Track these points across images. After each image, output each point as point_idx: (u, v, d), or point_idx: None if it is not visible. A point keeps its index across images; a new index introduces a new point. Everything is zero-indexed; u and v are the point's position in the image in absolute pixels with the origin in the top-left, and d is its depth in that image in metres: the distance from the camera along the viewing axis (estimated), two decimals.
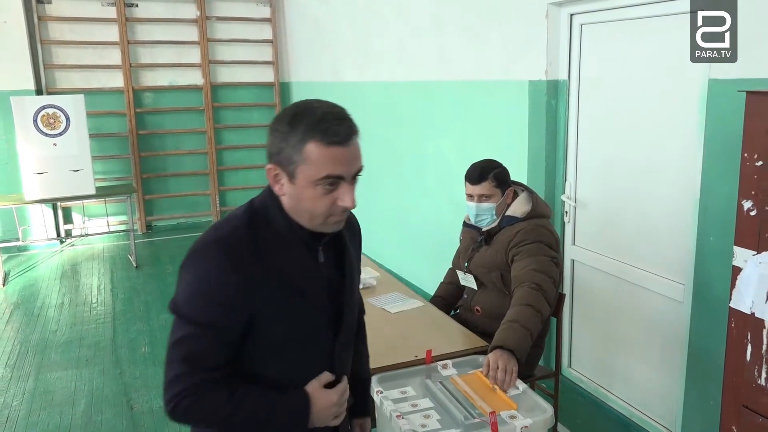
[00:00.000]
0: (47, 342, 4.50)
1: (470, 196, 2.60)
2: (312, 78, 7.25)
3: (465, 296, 2.80)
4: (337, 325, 1.43)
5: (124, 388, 3.78)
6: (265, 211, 1.36)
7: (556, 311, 2.74)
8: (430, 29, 4.53)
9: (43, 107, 5.83)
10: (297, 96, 7.89)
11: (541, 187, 3.51)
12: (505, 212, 2.61)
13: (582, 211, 3.42)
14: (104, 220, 7.07)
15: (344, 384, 1.44)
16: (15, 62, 6.65)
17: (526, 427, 1.79)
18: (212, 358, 1.31)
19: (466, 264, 2.72)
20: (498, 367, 1.99)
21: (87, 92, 6.64)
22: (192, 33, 7.52)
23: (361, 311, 1.74)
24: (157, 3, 7.34)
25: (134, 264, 6.25)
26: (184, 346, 1.30)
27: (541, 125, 3.48)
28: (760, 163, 1.66)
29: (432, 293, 3.04)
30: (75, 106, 5.96)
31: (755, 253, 1.69)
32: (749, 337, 1.73)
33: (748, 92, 1.70)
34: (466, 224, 2.79)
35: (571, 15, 3.27)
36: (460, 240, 2.86)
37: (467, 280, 2.73)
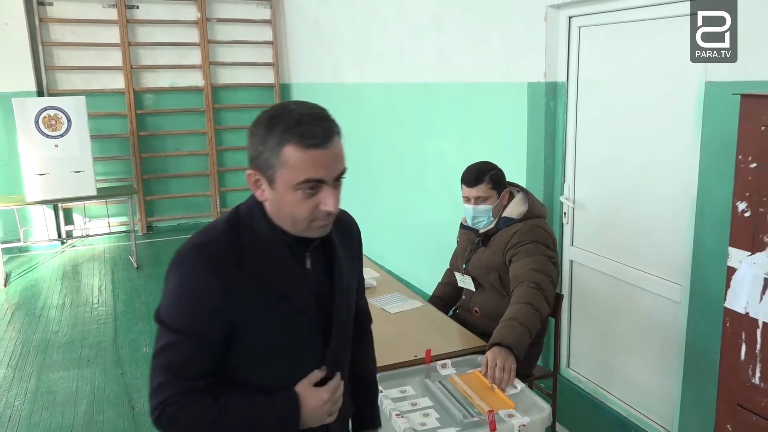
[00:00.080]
0: (49, 342, 4.52)
1: (467, 199, 2.63)
2: (312, 79, 7.27)
3: (464, 297, 2.83)
4: (327, 333, 1.39)
5: (125, 388, 3.80)
6: (249, 216, 1.33)
7: (555, 312, 2.76)
8: (429, 31, 4.55)
9: (45, 109, 5.86)
10: (297, 97, 7.92)
11: (540, 188, 3.53)
12: (501, 214, 2.63)
13: (580, 213, 3.44)
14: (105, 221, 7.09)
15: (336, 381, 1.40)
16: (16, 64, 6.67)
17: (523, 425, 1.82)
18: (195, 366, 1.29)
19: (464, 265, 2.75)
20: (496, 365, 2.01)
21: (88, 94, 6.66)
22: (192, 35, 7.55)
23: (366, 318, 1.69)
24: (157, 5, 7.37)
25: (135, 265, 6.27)
26: (167, 354, 1.28)
27: (540, 127, 3.51)
28: (755, 164, 1.68)
29: (431, 293, 3.07)
30: (76, 107, 5.99)
31: (749, 253, 1.72)
32: (743, 336, 1.76)
33: (742, 95, 1.72)
34: (463, 226, 2.81)
35: (570, 17, 3.30)
36: (458, 241, 2.88)
37: (465, 282, 2.76)
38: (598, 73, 3.21)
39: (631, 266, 3.11)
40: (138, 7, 7.30)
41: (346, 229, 1.49)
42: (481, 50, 3.94)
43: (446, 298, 2.94)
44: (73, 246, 7.18)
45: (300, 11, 7.41)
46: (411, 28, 4.83)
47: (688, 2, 2.56)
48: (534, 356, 2.71)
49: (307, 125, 1.22)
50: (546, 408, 1.89)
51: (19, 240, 6.45)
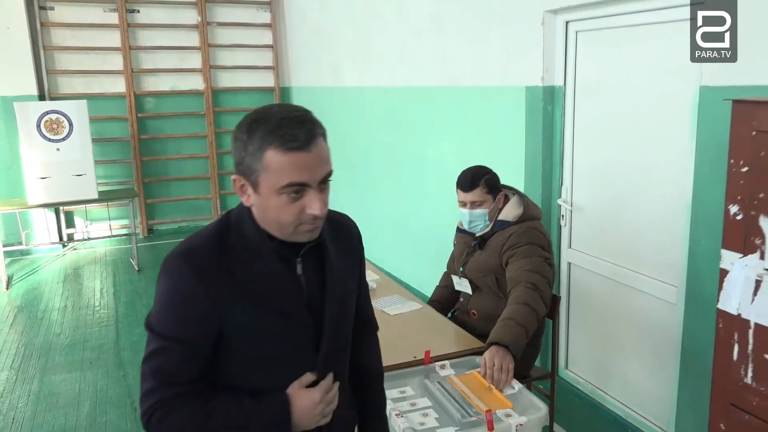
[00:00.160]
0: (51, 345, 4.55)
1: (463, 204, 2.66)
2: (312, 83, 7.31)
3: (461, 300, 2.86)
4: (319, 339, 1.36)
5: (127, 390, 3.83)
6: (239, 222, 1.32)
7: (552, 313, 2.79)
8: (429, 35, 4.59)
9: (47, 113, 5.91)
10: (297, 100, 7.96)
11: (538, 190, 3.57)
12: (497, 217, 2.67)
13: (578, 215, 3.47)
14: (106, 224, 7.12)
15: (327, 381, 1.37)
16: (18, 68, 6.72)
17: (521, 425, 1.85)
18: (183, 373, 1.28)
19: (461, 269, 2.79)
20: (495, 366, 2.05)
21: (89, 97, 6.71)
22: (193, 38, 7.59)
23: (370, 325, 1.65)
24: (158, 9, 7.41)
25: (136, 267, 6.31)
26: (156, 360, 1.28)
27: (537, 130, 3.54)
28: (746, 169, 1.72)
29: (430, 296, 3.10)
30: (78, 111, 6.04)
31: (741, 255, 1.75)
32: (736, 337, 1.79)
33: (734, 100, 1.76)
34: (459, 229, 2.85)
35: (567, 22, 3.33)
36: (454, 245, 2.92)
37: (462, 285, 2.79)
38: (594, 78, 3.25)
39: (628, 268, 3.15)
40: (139, 11, 7.35)
41: (344, 233, 1.47)
42: (480, 54, 3.98)
43: (444, 302, 2.98)
44: (75, 249, 7.21)
45: (300, 15, 7.45)
46: (410, 32, 4.87)
47: (683, 8, 2.61)
48: (532, 357, 2.75)
49: (288, 128, 1.20)
50: (543, 408, 1.93)
51: (20, 243, 6.48)
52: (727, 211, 1.79)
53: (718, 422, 1.89)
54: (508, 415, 1.90)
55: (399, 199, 5.45)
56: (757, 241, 1.71)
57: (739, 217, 1.76)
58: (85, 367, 4.17)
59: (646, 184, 2.99)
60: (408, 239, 5.33)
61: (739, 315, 1.77)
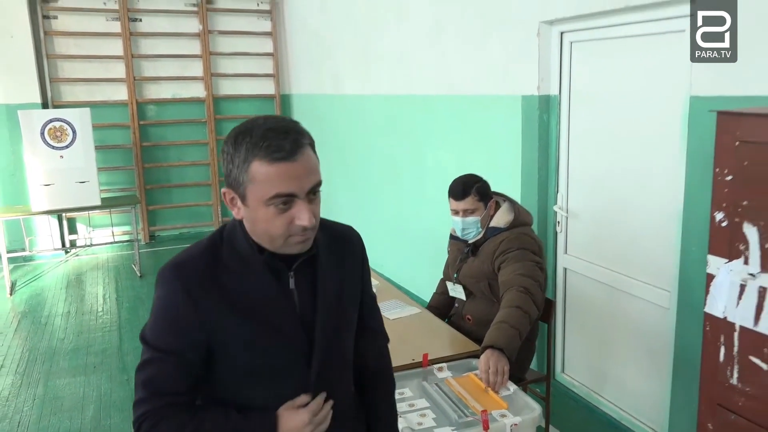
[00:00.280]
0: (55, 350, 4.61)
1: (455, 212, 2.73)
2: (313, 90, 7.40)
3: (456, 305, 2.93)
4: (312, 356, 1.35)
5: (131, 394, 3.85)
6: (231, 235, 1.32)
7: (547, 317, 2.86)
8: (428, 44, 4.67)
9: (50, 120, 5.98)
10: (297, 107, 8.05)
11: (534, 197, 3.64)
12: (489, 224, 2.74)
13: (573, 221, 3.54)
14: (109, 231, 7.20)
15: (316, 402, 1.35)
16: (22, 76, 6.82)
17: (515, 424, 1.92)
18: (172, 384, 1.29)
19: (455, 275, 2.85)
20: (490, 368, 2.11)
21: (91, 105, 6.80)
22: (194, 47, 7.68)
23: (378, 337, 1.62)
24: (160, 18, 7.50)
25: (138, 273, 6.37)
26: (147, 370, 1.30)
27: (533, 138, 3.61)
28: (730, 177, 1.79)
29: (428, 302, 3.17)
30: (81, 119, 6.11)
31: (727, 261, 1.82)
32: (722, 339, 1.86)
33: (718, 112, 1.83)
34: (452, 237, 2.92)
35: (562, 33, 3.41)
36: (448, 252, 2.98)
37: (456, 291, 2.86)
38: (588, 87, 3.32)
39: (622, 273, 3.21)
40: (141, 20, 7.45)
41: (345, 245, 1.46)
42: (478, 63, 4.05)
43: (441, 308, 3.05)
44: (77, 255, 7.28)
45: (300, 23, 7.54)
46: (410, 41, 4.95)
47: (675, 20, 2.69)
48: (527, 360, 2.81)
49: (273, 139, 1.19)
50: (537, 408, 1.99)
51: (23, 249, 6.55)
52: (712, 218, 1.86)
53: (706, 422, 1.95)
54: (503, 416, 1.96)
55: (399, 206, 5.52)
56: (741, 247, 1.77)
57: (724, 224, 1.82)
58: (89, 372, 4.23)
59: (639, 191, 3.06)
60: (407, 245, 5.40)
61: (725, 318, 1.84)
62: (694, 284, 2.66)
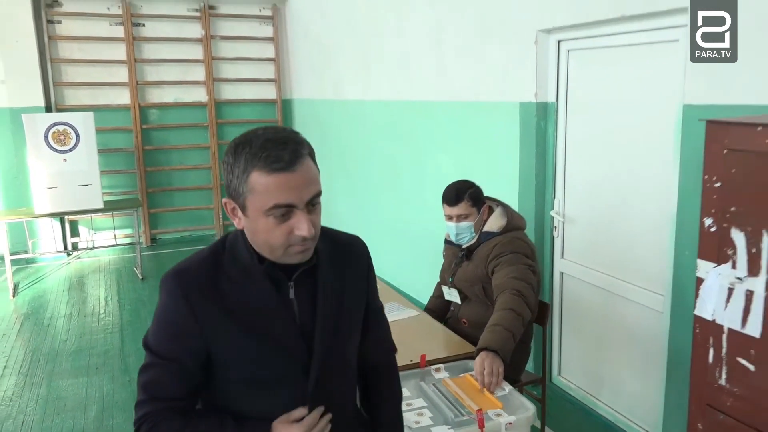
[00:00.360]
0: (58, 351, 4.66)
1: (449, 217, 2.79)
2: (314, 95, 7.46)
3: (452, 309, 2.99)
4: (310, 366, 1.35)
5: (133, 395, 3.88)
6: (233, 244, 1.33)
7: (542, 320, 2.92)
8: (427, 51, 4.73)
9: (54, 124, 6.05)
10: (299, 112, 8.12)
11: (532, 202, 3.69)
12: (482, 228, 2.79)
13: (570, 226, 3.60)
14: (110, 233, 7.26)
15: (312, 417, 1.34)
16: (26, 80, 6.88)
17: (510, 423, 1.97)
18: (170, 389, 1.31)
19: (450, 279, 2.91)
20: (485, 370, 2.16)
21: (95, 109, 6.84)
22: (197, 52, 7.75)
23: (384, 348, 1.63)
24: (163, 23, 7.57)
25: (140, 276, 6.42)
26: (147, 374, 1.33)
27: (531, 144, 3.67)
28: (719, 184, 1.85)
29: (426, 304, 3.23)
30: (84, 123, 6.17)
31: (716, 265, 1.88)
32: (711, 341, 1.91)
33: (707, 121, 1.88)
34: (447, 241, 2.98)
35: (559, 41, 3.47)
36: (444, 256, 3.04)
37: (451, 295, 2.92)
38: (585, 95, 3.39)
39: (617, 278, 3.27)
40: (144, 25, 7.51)
41: (350, 255, 1.45)
42: (477, 70, 4.11)
43: (438, 310, 3.10)
44: (79, 258, 7.33)
45: (302, 29, 7.61)
46: (410, 48, 5.02)
47: (669, 30, 2.75)
48: (522, 362, 2.86)
49: (272, 149, 1.19)
50: (531, 408, 2.05)
51: (26, 252, 6.61)
52: (702, 223, 1.91)
53: (696, 422, 2.00)
54: (498, 415, 2.01)
55: (398, 210, 5.57)
56: (729, 252, 1.83)
57: (713, 230, 1.88)
58: (91, 373, 4.28)
59: (634, 197, 3.12)
60: (407, 249, 5.45)
61: (714, 320, 1.89)
62: (687, 288, 2.71)
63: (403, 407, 2.08)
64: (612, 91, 3.19)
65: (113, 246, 7.32)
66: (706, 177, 1.88)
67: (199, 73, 7.78)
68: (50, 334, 5.00)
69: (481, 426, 1.92)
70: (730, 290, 1.84)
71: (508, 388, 2.19)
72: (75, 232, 7.43)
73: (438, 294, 3.12)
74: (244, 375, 1.32)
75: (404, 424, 1.96)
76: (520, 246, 2.69)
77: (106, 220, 7.31)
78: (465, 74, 4.27)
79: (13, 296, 5.90)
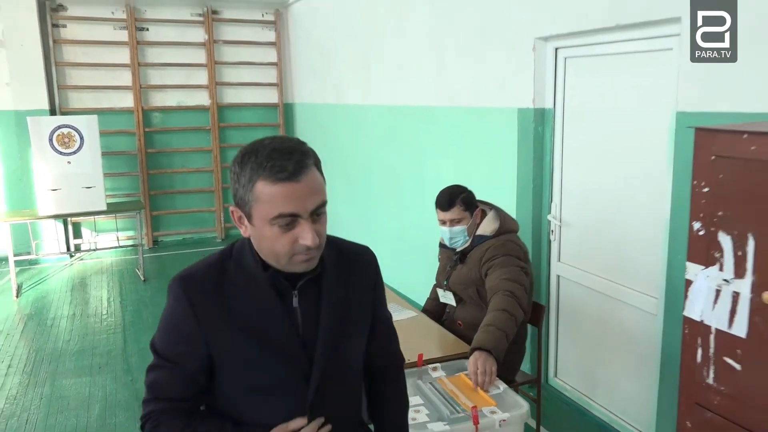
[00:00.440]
0: (61, 351, 4.72)
1: (443, 222, 2.85)
2: (315, 100, 7.54)
3: (448, 311, 3.05)
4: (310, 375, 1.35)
5: (135, 394, 4.00)
6: (240, 251, 1.35)
7: (537, 321, 2.98)
8: (428, 57, 4.80)
9: (59, 127, 6.12)
10: (300, 116, 8.19)
11: (529, 206, 3.75)
12: (475, 232, 2.85)
13: (566, 230, 3.66)
14: (113, 235, 7.33)
15: (312, 428, 1.35)
16: (31, 83, 6.97)
17: (504, 420, 2.03)
18: (174, 390, 1.34)
19: (445, 282, 2.97)
20: (479, 369, 2.22)
21: (98, 112, 6.91)
22: (200, 56, 7.83)
23: (392, 359, 1.62)
24: (167, 27, 7.65)
25: (142, 278, 6.48)
26: (152, 374, 1.36)
27: (528, 149, 3.73)
28: (707, 189, 1.91)
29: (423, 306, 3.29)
30: (89, 126, 6.25)
31: (704, 267, 1.94)
32: (699, 341, 1.97)
33: (696, 128, 1.94)
34: (441, 245, 3.04)
35: (556, 49, 3.54)
36: (439, 260, 3.10)
37: (446, 297, 2.98)
38: (581, 101, 3.45)
39: (613, 281, 3.33)
40: (148, 30, 7.60)
41: (357, 265, 1.46)
42: (476, 76, 4.18)
43: (434, 313, 3.17)
44: (81, 259, 7.40)
45: (304, 34, 7.69)
46: (410, 53, 5.09)
47: (664, 38, 2.81)
48: (517, 362, 2.92)
49: (277, 159, 1.21)
50: (525, 405, 2.11)
51: (29, 253, 6.67)
52: (691, 227, 1.97)
53: (684, 420, 2.06)
54: (492, 412, 2.07)
55: (398, 214, 5.63)
56: (717, 255, 1.89)
57: (701, 233, 1.94)
58: (94, 372, 4.34)
59: (629, 202, 3.18)
60: (406, 252, 5.51)
61: (702, 321, 1.95)
62: (679, 291, 2.75)
63: None
64: (608, 98, 3.25)
65: (116, 248, 7.39)
66: (695, 182, 1.94)
67: (201, 77, 7.86)
68: (53, 334, 5.06)
69: (476, 422, 1.98)
70: (718, 292, 1.89)
71: (502, 386, 2.25)
72: (78, 234, 7.50)
73: (434, 296, 3.18)
74: (244, 380, 1.33)
75: None
76: (513, 248, 2.75)
77: (109, 222, 7.38)
78: (464, 80, 4.34)
79: (17, 297, 5.97)
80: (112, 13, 7.41)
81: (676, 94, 2.70)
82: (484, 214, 2.90)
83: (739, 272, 1.83)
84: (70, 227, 7.35)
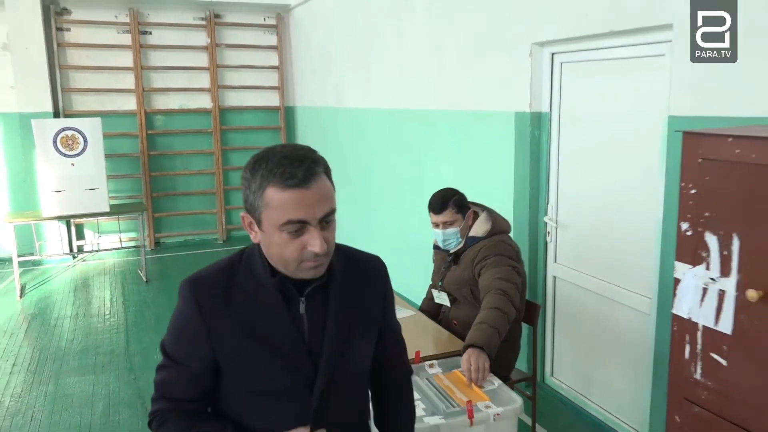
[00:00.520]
0: (64, 350, 4.78)
1: (435, 224, 2.91)
2: (316, 103, 7.61)
3: (443, 311, 3.12)
4: (314, 383, 1.36)
5: (138, 392, 4.06)
6: (250, 257, 1.36)
7: (532, 320, 3.04)
8: (427, 62, 4.87)
9: (63, 129, 6.18)
10: (301, 119, 8.26)
11: (526, 208, 3.82)
12: (468, 233, 2.92)
13: (563, 232, 3.73)
14: (115, 237, 7.40)
15: None
16: (35, 86, 7.04)
17: (498, 414, 2.09)
18: (180, 390, 1.36)
19: (439, 283, 3.04)
20: (472, 366, 2.28)
21: (101, 115, 6.99)
22: (202, 59, 7.90)
23: (399, 370, 1.64)
24: (169, 31, 7.73)
25: (144, 278, 6.54)
26: (160, 374, 1.39)
27: (525, 153, 3.80)
28: (694, 191, 1.97)
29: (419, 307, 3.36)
30: (92, 128, 6.31)
31: (691, 266, 2.00)
32: (687, 338, 2.03)
33: (684, 132, 2.01)
34: (435, 247, 3.10)
35: (552, 54, 3.61)
36: (433, 261, 3.17)
37: (441, 298, 3.04)
38: (577, 105, 3.52)
39: (607, 281, 3.39)
40: (151, 33, 7.67)
41: (363, 274, 1.46)
42: (474, 80, 4.25)
43: (430, 312, 3.23)
44: (84, 260, 7.46)
45: (305, 38, 7.77)
46: (410, 58, 5.16)
47: (657, 44, 2.88)
48: (512, 360, 2.98)
49: (287, 166, 1.22)
50: (518, 400, 2.17)
51: (33, 254, 6.74)
52: (679, 227, 2.04)
53: (673, 414, 2.12)
54: (487, 407, 2.14)
55: (398, 216, 5.70)
56: (704, 254, 1.95)
57: (689, 233, 2.01)
58: (97, 371, 4.40)
59: (623, 204, 3.25)
60: (406, 253, 5.57)
61: (690, 318, 2.02)
62: (671, 291, 2.81)
63: None
64: (602, 102, 3.32)
65: (118, 249, 7.46)
66: (683, 184, 2.01)
67: (204, 80, 7.93)
68: (57, 334, 5.12)
69: (471, 415, 2.05)
70: (705, 290, 1.96)
71: (497, 382, 2.31)
72: (80, 236, 7.57)
73: (430, 297, 3.25)
74: (248, 384, 1.35)
75: None
76: (505, 248, 2.82)
77: (112, 223, 7.46)
78: (463, 84, 4.41)
79: (21, 297, 6.03)
80: (116, 16, 7.49)
81: (668, 99, 2.77)
82: (476, 216, 2.97)
83: (725, 271, 1.89)
84: (73, 229, 7.41)
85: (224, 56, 8.00)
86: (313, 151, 1.29)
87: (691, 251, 2.01)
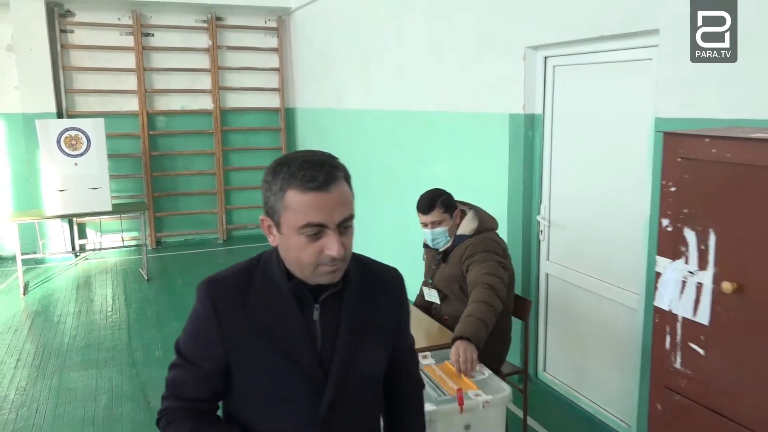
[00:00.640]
0: (68, 346, 4.87)
1: (424, 224, 3.01)
2: (316, 104, 7.71)
3: (434, 307, 3.21)
4: (324, 389, 1.35)
5: (140, 386, 4.15)
6: (267, 261, 1.37)
7: (523, 314, 3.13)
8: (426, 64, 4.97)
9: (67, 129, 6.28)
10: (301, 121, 8.36)
11: (519, 207, 3.92)
12: (456, 232, 3.01)
13: (555, 230, 3.82)
14: (117, 236, 7.48)
15: None
16: (39, 87, 7.13)
17: (487, 402, 2.19)
18: (190, 390, 1.37)
19: (430, 280, 3.14)
20: (460, 357, 2.38)
21: (104, 115, 7.08)
22: (204, 61, 8.00)
23: (411, 383, 1.64)
24: (172, 33, 7.83)
25: (146, 277, 6.63)
26: (172, 372, 1.40)
27: (519, 153, 3.90)
28: (674, 189, 2.07)
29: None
30: (95, 128, 6.41)
31: (671, 261, 2.10)
32: (668, 329, 2.13)
33: (664, 133, 2.11)
34: (425, 246, 3.20)
35: (546, 57, 3.71)
36: (424, 259, 3.26)
37: (431, 295, 3.14)
38: (569, 107, 3.62)
39: (597, 278, 3.49)
40: (153, 35, 7.77)
41: (379, 285, 1.46)
42: (470, 83, 4.35)
43: (423, 308, 3.31)
44: (86, 259, 7.56)
45: (306, 40, 7.87)
46: (409, 60, 5.26)
47: (646, 48, 2.98)
48: (502, 353, 3.07)
49: (308, 170, 1.24)
50: (507, 389, 2.27)
51: (36, 252, 6.83)
52: (660, 223, 2.14)
53: (655, 402, 2.22)
54: (477, 395, 2.23)
55: (397, 217, 5.78)
56: (683, 249, 2.05)
57: (669, 229, 2.10)
58: (100, 366, 4.49)
59: (613, 203, 3.34)
60: (405, 253, 5.65)
61: (670, 310, 2.11)
62: None
63: None
64: (593, 105, 3.42)
65: (120, 248, 7.55)
66: (663, 182, 2.11)
67: (205, 81, 8.03)
68: (60, 330, 5.21)
69: (461, 402, 2.14)
70: (684, 283, 2.06)
71: (487, 372, 2.41)
72: (83, 234, 7.66)
73: (422, 294, 3.34)
74: (258, 388, 1.35)
75: None
76: (491, 245, 2.91)
77: (114, 222, 7.55)
78: (459, 86, 4.51)
79: (24, 294, 6.13)
80: (119, 19, 7.59)
81: (654, 101, 2.87)
82: (463, 215, 3.06)
83: (702, 265, 1.99)
84: (75, 227, 7.51)
85: (225, 58, 8.09)
86: (334, 158, 1.32)
87: (671, 246, 2.10)
